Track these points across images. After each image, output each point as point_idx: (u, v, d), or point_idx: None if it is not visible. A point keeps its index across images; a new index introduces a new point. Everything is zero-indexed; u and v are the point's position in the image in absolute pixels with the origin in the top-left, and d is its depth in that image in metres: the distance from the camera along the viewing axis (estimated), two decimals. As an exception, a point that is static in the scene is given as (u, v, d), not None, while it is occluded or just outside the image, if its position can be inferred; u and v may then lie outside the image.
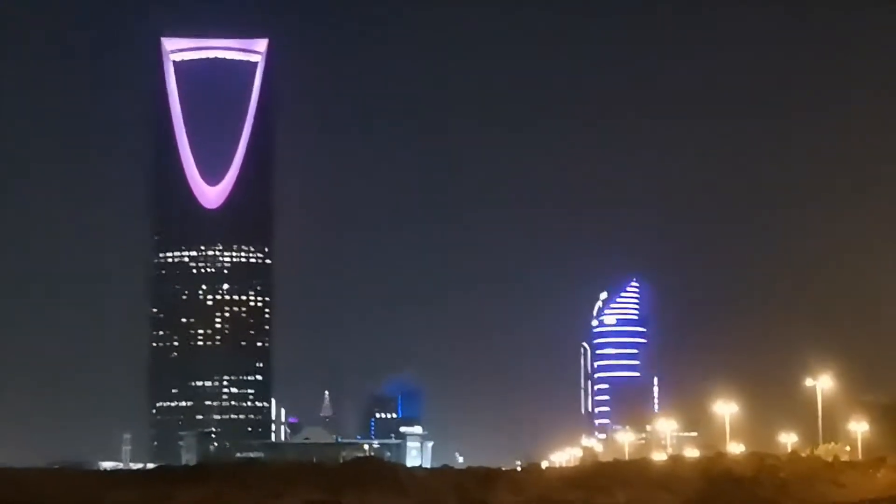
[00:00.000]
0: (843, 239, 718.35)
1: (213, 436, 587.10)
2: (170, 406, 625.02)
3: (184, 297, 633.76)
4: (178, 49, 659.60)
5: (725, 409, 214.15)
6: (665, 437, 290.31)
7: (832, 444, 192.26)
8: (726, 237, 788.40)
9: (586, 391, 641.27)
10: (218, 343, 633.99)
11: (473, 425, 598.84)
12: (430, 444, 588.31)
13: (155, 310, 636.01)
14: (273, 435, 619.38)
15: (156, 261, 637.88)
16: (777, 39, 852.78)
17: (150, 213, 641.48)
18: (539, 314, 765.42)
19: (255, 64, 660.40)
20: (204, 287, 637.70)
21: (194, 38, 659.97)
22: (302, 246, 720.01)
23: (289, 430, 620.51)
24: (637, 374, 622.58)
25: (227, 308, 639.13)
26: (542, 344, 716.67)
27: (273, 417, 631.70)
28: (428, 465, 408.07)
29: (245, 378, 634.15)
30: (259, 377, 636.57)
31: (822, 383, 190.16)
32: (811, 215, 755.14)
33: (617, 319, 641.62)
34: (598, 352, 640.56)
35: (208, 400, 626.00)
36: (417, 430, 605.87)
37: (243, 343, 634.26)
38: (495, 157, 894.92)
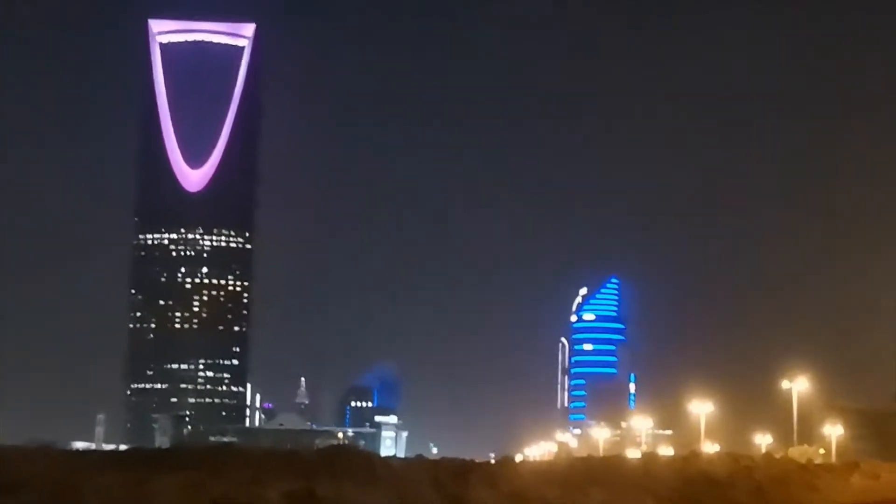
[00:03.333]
0: (824, 243, 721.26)
1: (188, 419, 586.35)
2: (145, 388, 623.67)
3: (163, 279, 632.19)
4: (164, 31, 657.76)
5: (701, 408, 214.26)
6: (640, 434, 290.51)
7: (805, 446, 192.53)
8: (707, 237, 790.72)
9: (563, 386, 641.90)
10: (195, 326, 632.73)
11: (448, 416, 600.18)
12: (404, 434, 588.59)
13: (133, 291, 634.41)
14: (247, 420, 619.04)
15: (136, 242, 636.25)
16: (763, 45, 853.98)
17: (131, 194, 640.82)
18: (518, 308, 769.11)
19: (241, 48, 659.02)
20: (183, 270, 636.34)
21: (181, 20, 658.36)
22: (283, 232, 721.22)
23: (263, 416, 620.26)
24: (614, 370, 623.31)
25: (205, 292, 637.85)
26: (520, 338, 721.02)
27: (248, 402, 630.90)
28: (402, 455, 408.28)
29: (221, 362, 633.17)
30: (235, 362, 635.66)
31: (799, 386, 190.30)
32: (792, 219, 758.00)
33: (596, 316, 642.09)
34: (576, 347, 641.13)
35: (183, 383, 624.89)
36: (392, 419, 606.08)
37: (221, 327, 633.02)
38: (480, 152, 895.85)
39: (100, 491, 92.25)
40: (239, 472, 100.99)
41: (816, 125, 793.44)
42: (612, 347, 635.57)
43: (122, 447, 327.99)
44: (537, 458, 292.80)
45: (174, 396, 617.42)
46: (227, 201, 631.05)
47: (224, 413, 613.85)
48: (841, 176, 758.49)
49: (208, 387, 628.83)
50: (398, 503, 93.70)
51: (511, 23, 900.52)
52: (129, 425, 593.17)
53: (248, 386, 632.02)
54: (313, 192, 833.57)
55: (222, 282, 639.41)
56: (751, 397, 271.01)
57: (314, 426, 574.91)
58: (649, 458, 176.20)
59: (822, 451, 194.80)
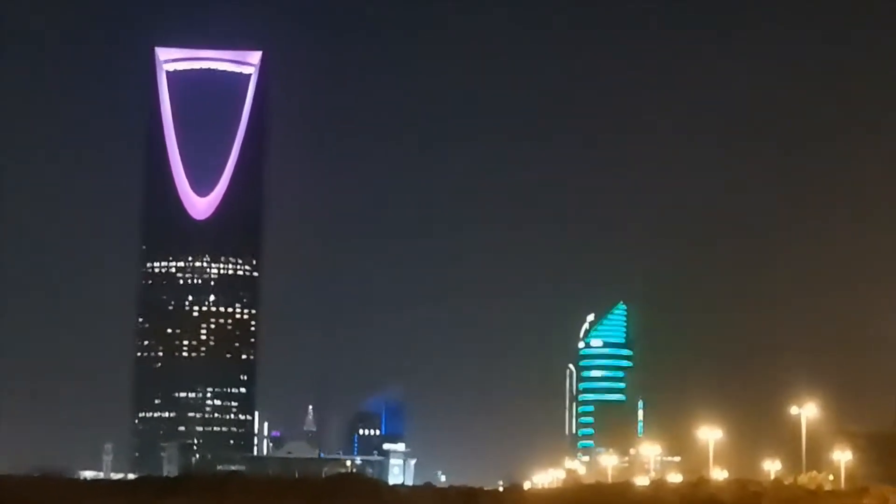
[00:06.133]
0: (832, 269, 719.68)
1: (195, 447, 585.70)
2: (152, 416, 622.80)
3: (170, 307, 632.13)
4: (171, 59, 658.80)
5: (710, 434, 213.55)
6: (649, 460, 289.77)
7: (815, 472, 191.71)
8: (715, 263, 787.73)
9: (571, 413, 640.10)
10: (203, 354, 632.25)
11: (457, 444, 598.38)
12: (412, 462, 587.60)
13: (140, 319, 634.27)
14: (255, 448, 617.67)
15: (143, 270, 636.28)
16: (769, 69, 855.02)
17: (138, 222, 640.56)
18: (525, 335, 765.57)
19: (248, 76, 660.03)
20: (190, 298, 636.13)
21: (188, 48, 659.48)
22: (289, 259, 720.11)
23: (271, 444, 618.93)
24: (622, 397, 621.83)
25: (212, 319, 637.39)
26: (528, 365, 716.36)
27: (256, 431, 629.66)
28: (410, 483, 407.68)
29: (229, 390, 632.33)
30: (243, 390, 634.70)
31: (807, 412, 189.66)
32: (800, 245, 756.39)
33: (603, 342, 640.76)
34: (584, 374, 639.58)
35: (191, 411, 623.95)
36: (401, 447, 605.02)
37: (228, 355, 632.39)
38: (487, 176, 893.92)
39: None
40: (243, 500, 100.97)
41: (827, 146, 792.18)
42: (621, 374, 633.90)
43: (130, 476, 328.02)
44: (546, 486, 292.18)
45: (182, 425, 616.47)
46: (234, 229, 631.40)
47: (232, 441, 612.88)
48: (848, 201, 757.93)
49: (216, 415, 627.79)
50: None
51: (519, 45, 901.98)
52: (136, 454, 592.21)
53: (256, 414, 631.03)
54: (320, 219, 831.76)
55: (230, 309, 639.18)
56: (759, 424, 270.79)
57: (322, 454, 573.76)
58: (658, 484, 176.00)
59: (831, 476, 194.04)
